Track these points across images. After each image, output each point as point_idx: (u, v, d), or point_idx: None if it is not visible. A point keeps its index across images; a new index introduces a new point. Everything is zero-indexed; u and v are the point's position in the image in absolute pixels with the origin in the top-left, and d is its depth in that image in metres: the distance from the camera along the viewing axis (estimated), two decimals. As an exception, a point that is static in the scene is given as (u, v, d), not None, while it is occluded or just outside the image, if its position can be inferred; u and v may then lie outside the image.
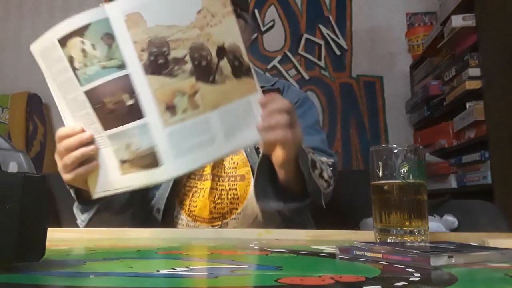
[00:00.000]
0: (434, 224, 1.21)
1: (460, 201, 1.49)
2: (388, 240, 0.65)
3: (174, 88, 0.66)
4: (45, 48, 0.69)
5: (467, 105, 1.96)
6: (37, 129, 2.63)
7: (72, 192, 0.92)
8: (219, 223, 1.01)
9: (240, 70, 0.70)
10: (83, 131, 0.73)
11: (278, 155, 0.81)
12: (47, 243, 0.44)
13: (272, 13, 2.78)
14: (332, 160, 1.03)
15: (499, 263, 0.49)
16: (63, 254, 0.59)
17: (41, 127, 2.64)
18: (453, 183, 2.11)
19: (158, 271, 0.46)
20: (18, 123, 2.63)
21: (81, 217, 0.94)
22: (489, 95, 1.84)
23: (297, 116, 1.10)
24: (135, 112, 0.66)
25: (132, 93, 0.66)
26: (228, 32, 0.69)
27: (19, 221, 0.40)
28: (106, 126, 0.69)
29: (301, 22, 2.76)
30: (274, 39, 2.76)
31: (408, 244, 0.61)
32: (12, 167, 1.35)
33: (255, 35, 2.74)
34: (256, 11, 2.77)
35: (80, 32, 0.64)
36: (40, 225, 0.43)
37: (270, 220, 1.02)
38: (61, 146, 0.78)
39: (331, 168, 0.99)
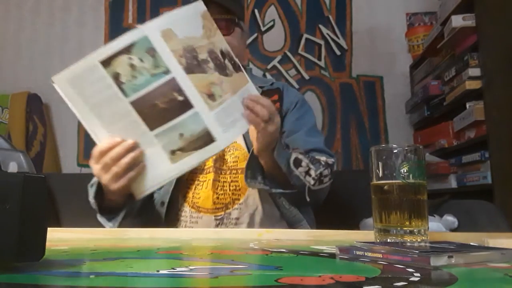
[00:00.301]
0: (434, 224, 1.21)
1: (460, 201, 1.49)
2: (388, 240, 0.65)
3: (209, 81, 0.83)
4: (79, 74, 0.78)
5: (467, 105, 1.96)
6: (37, 129, 2.63)
7: (94, 205, 0.97)
8: (222, 213, 1.04)
9: (235, 67, 0.89)
10: (123, 141, 0.82)
11: (255, 144, 0.97)
12: (47, 243, 0.44)
13: (272, 13, 2.78)
14: (332, 159, 1.10)
15: (499, 263, 0.49)
16: (63, 254, 0.59)
17: (41, 127, 2.63)
18: (453, 183, 2.11)
19: (158, 271, 0.46)
20: (18, 123, 2.63)
21: (109, 224, 0.99)
22: (489, 95, 1.84)
23: (299, 116, 1.19)
24: (185, 105, 0.81)
25: (180, 90, 0.80)
26: (220, 40, 0.87)
27: (19, 221, 0.40)
28: (153, 127, 0.82)
29: (301, 22, 2.76)
30: (274, 39, 2.75)
31: (408, 244, 0.61)
32: (12, 167, 1.35)
33: (255, 35, 2.74)
34: (256, 11, 2.77)
35: (126, 50, 0.77)
36: (40, 225, 0.43)
37: (269, 212, 1.07)
38: (106, 158, 0.84)
39: (324, 167, 1.05)
